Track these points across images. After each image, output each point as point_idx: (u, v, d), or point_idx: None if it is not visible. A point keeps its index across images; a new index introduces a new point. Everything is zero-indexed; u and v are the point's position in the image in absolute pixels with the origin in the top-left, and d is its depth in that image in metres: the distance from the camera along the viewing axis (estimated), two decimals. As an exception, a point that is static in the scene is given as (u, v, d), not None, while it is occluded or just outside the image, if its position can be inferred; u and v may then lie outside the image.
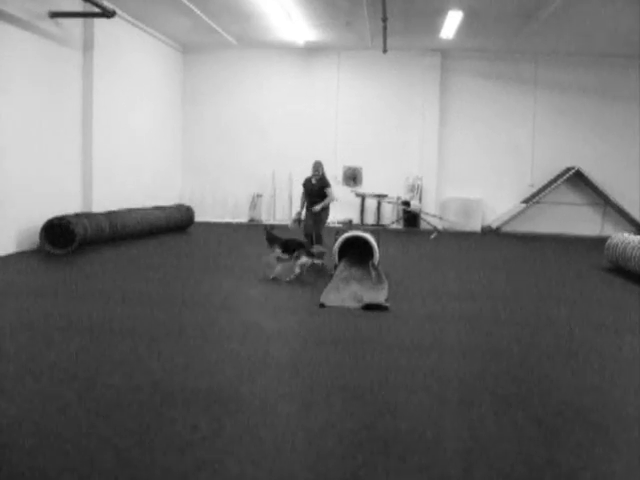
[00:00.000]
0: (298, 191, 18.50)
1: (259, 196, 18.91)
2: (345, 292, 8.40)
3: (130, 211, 14.29)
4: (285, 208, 19.14)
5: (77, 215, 12.23)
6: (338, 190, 18.63)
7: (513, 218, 18.62)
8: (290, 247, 9.45)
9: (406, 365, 5.55)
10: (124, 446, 3.73)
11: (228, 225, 18.23)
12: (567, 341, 6.61)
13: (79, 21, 13.26)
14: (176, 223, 15.97)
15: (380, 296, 8.16)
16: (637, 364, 5.90)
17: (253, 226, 18.03)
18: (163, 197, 17.44)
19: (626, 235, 11.70)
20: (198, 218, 17.31)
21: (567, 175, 18.16)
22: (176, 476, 3.42)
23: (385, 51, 16.73)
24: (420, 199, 18.50)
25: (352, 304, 7.79)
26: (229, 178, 19.25)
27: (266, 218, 19.02)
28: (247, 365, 5.37)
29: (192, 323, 6.82)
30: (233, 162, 19.22)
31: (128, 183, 15.55)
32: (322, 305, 7.77)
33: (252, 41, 17.93)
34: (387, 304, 7.79)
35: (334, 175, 18.61)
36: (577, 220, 18.86)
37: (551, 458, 3.76)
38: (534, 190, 18.79)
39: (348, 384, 4.98)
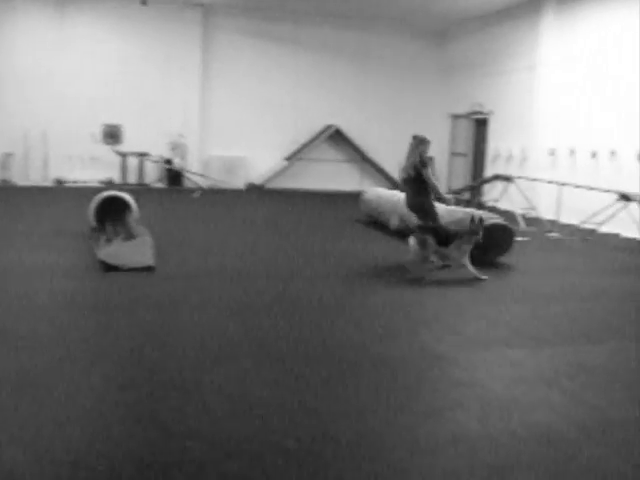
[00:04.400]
0: (55, 151, 17.49)
1: (9, 155, 17.47)
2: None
3: None
4: (39, 169, 17.85)
5: None
6: (98, 149, 17.82)
7: (277, 175, 19.06)
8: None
9: (173, 322, 5.56)
10: None
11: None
12: (320, 292, 6.96)
13: None
14: None
15: (145, 258, 7.88)
16: (380, 309, 6.40)
17: (8, 188, 16.69)
18: None
19: (379, 190, 12.49)
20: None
21: (327, 133, 18.91)
22: None
23: (144, 3, 16.12)
24: (183, 157, 18.26)
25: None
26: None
27: (19, 179, 17.61)
28: (15, 338, 5.00)
29: None
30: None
31: None
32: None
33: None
34: (152, 264, 7.60)
35: (92, 133, 17.72)
36: (338, 176, 19.78)
37: (303, 401, 4.00)
38: (296, 147, 19.33)
39: (114, 345, 4.87)
